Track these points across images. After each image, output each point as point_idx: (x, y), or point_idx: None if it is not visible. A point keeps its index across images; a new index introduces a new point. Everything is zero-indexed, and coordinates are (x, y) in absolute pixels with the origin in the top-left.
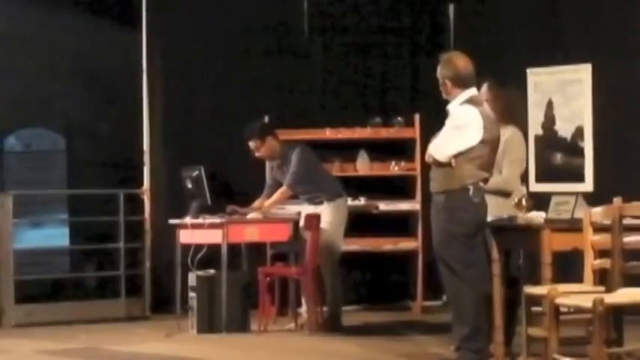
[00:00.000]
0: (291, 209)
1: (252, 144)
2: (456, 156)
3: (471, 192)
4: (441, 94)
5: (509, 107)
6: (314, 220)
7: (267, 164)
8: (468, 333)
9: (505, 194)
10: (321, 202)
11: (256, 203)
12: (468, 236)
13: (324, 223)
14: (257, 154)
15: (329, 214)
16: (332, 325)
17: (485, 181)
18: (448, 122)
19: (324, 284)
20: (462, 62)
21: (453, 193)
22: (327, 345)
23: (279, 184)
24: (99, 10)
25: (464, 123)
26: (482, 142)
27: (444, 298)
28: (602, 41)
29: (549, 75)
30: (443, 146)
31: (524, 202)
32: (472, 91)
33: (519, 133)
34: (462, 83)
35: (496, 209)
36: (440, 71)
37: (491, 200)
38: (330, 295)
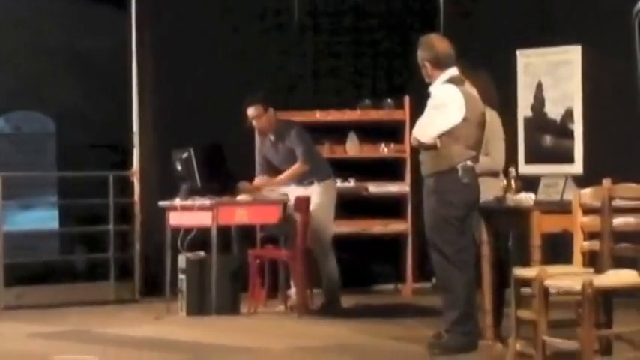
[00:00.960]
0: (279, 191)
1: (253, 111)
2: (440, 136)
3: (460, 172)
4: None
5: (483, 90)
6: (304, 202)
7: (257, 144)
8: (458, 316)
9: (494, 175)
10: (311, 183)
11: (257, 181)
12: (459, 219)
13: (315, 205)
14: (255, 124)
15: (319, 195)
16: (331, 308)
17: (474, 159)
18: (429, 103)
19: (315, 267)
20: (440, 44)
21: (441, 175)
22: (316, 328)
23: (268, 163)
24: None
25: (443, 102)
26: (465, 120)
27: (434, 280)
28: (591, 23)
29: (539, 57)
30: (425, 128)
31: (513, 183)
32: (452, 71)
33: (496, 114)
34: (441, 64)
35: (485, 191)
36: (420, 54)
37: (480, 182)
38: (326, 278)
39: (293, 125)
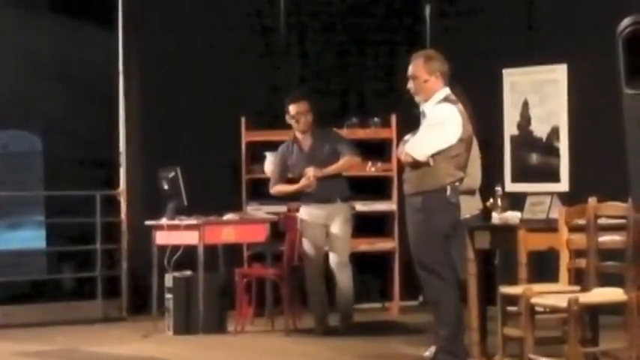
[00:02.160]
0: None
1: (304, 106)
2: (434, 155)
3: (448, 192)
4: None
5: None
6: (292, 220)
7: (281, 150)
8: (448, 335)
9: (471, 193)
10: (333, 201)
11: (309, 171)
12: (446, 237)
13: (340, 222)
14: (303, 119)
15: (343, 213)
16: (346, 325)
17: (461, 180)
18: (427, 121)
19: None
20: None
21: (430, 194)
22: (302, 347)
23: (284, 173)
24: (75, 11)
25: (442, 120)
26: (460, 140)
27: (421, 298)
28: (577, 42)
29: (525, 75)
30: (422, 145)
31: (499, 201)
32: (447, 90)
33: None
34: (446, 80)
35: (463, 208)
36: (433, 65)
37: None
38: (341, 295)
39: (334, 130)
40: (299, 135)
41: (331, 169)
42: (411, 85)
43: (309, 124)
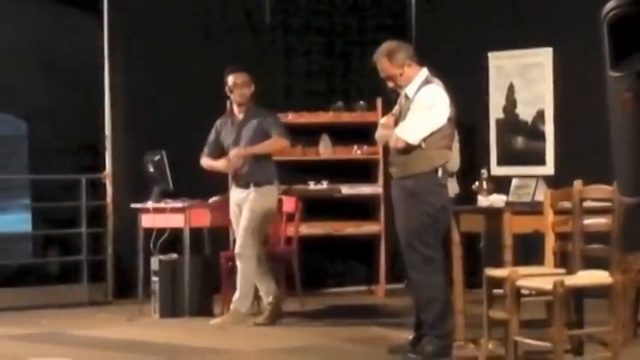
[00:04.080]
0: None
1: (242, 77)
2: (425, 138)
3: (439, 174)
4: None
5: None
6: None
7: (217, 123)
8: (435, 319)
9: (449, 175)
10: (247, 186)
11: (233, 152)
12: (436, 220)
13: (246, 210)
14: (240, 91)
15: (252, 201)
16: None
17: (449, 161)
18: (416, 105)
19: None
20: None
21: (421, 176)
22: (287, 330)
23: (218, 145)
24: None
25: (434, 103)
26: (449, 119)
27: (406, 282)
28: (562, 25)
29: (511, 59)
30: (415, 129)
31: (485, 184)
32: (425, 70)
33: None
34: (416, 60)
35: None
36: (398, 58)
37: None
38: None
39: (269, 110)
40: (235, 108)
41: (255, 148)
42: (391, 84)
43: (244, 97)
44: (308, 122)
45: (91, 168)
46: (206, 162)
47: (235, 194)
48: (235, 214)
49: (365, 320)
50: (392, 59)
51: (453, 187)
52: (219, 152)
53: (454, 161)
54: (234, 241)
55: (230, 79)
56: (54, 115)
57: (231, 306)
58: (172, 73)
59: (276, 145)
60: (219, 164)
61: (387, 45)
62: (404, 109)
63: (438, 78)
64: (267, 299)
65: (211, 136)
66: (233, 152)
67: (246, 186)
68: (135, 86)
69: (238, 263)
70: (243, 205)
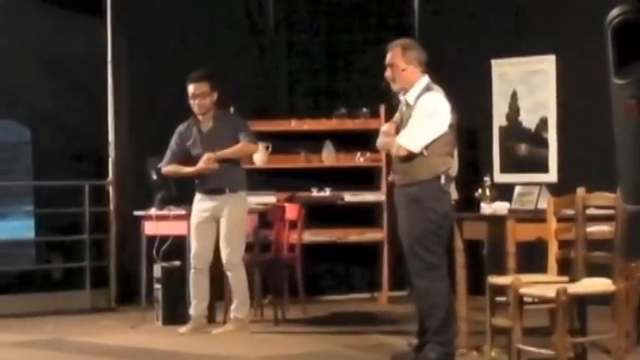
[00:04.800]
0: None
1: (198, 88)
2: (427, 145)
3: (442, 180)
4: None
5: None
6: (280, 211)
7: (180, 130)
8: (438, 326)
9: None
10: (222, 192)
11: (206, 156)
12: (439, 227)
13: (226, 217)
14: (199, 102)
15: (232, 207)
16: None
17: (451, 167)
18: (417, 112)
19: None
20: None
21: (425, 184)
22: (290, 336)
23: (180, 154)
24: (64, 1)
25: (434, 110)
26: (450, 126)
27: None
28: (565, 32)
29: (514, 66)
30: (417, 137)
31: (488, 191)
32: (427, 78)
33: None
34: (424, 68)
35: None
36: (411, 54)
37: None
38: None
39: (237, 115)
40: (199, 116)
41: (225, 152)
42: (388, 73)
43: (203, 107)
44: (311, 129)
45: (94, 174)
46: (171, 169)
47: (206, 203)
48: (206, 222)
49: (368, 327)
50: (405, 52)
51: (452, 193)
52: (183, 159)
53: (453, 166)
54: (196, 252)
55: (189, 89)
56: (58, 121)
57: (231, 315)
58: (175, 78)
59: (246, 149)
60: (188, 169)
61: (406, 39)
62: (405, 116)
63: (441, 85)
64: (236, 312)
65: (174, 143)
66: (206, 156)
67: (220, 192)
68: (138, 92)
69: (228, 273)
70: (221, 213)
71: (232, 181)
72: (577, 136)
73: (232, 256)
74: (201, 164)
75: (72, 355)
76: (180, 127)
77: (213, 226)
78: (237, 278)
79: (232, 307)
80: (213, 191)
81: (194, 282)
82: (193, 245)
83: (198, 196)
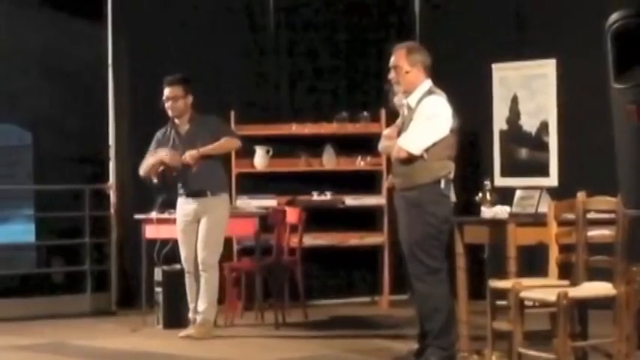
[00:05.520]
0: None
1: (171, 91)
2: (427, 148)
3: (442, 185)
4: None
5: None
6: (281, 215)
7: (156, 142)
8: (439, 330)
9: None
10: (204, 194)
11: (189, 153)
12: (440, 231)
13: (208, 218)
14: (173, 105)
15: (214, 208)
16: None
17: (452, 171)
18: (418, 115)
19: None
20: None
21: (425, 188)
22: (290, 341)
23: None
24: (65, 5)
25: (436, 113)
26: (451, 131)
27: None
28: (566, 37)
29: (514, 70)
30: (417, 139)
31: (488, 195)
32: (430, 82)
33: None
34: (429, 72)
35: None
36: (415, 57)
37: None
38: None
39: (214, 116)
40: (176, 120)
41: (207, 149)
42: (392, 74)
43: (177, 110)
44: (312, 133)
45: (95, 178)
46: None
47: (188, 206)
48: (189, 225)
49: (368, 331)
50: (409, 55)
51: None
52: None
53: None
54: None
55: (164, 92)
56: (58, 125)
57: (200, 317)
58: None
59: (229, 144)
60: (157, 155)
61: (412, 42)
62: (406, 119)
63: (442, 89)
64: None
65: (152, 149)
66: (189, 153)
67: (201, 194)
68: (139, 96)
69: (203, 274)
70: (202, 214)
71: (214, 183)
72: (577, 140)
73: (209, 257)
74: (186, 157)
75: (72, 359)
76: (158, 134)
77: (196, 228)
78: (210, 280)
79: (201, 308)
80: (194, 193)
81: (189, 286)
82: (182, 250)
83: (180, 200)
